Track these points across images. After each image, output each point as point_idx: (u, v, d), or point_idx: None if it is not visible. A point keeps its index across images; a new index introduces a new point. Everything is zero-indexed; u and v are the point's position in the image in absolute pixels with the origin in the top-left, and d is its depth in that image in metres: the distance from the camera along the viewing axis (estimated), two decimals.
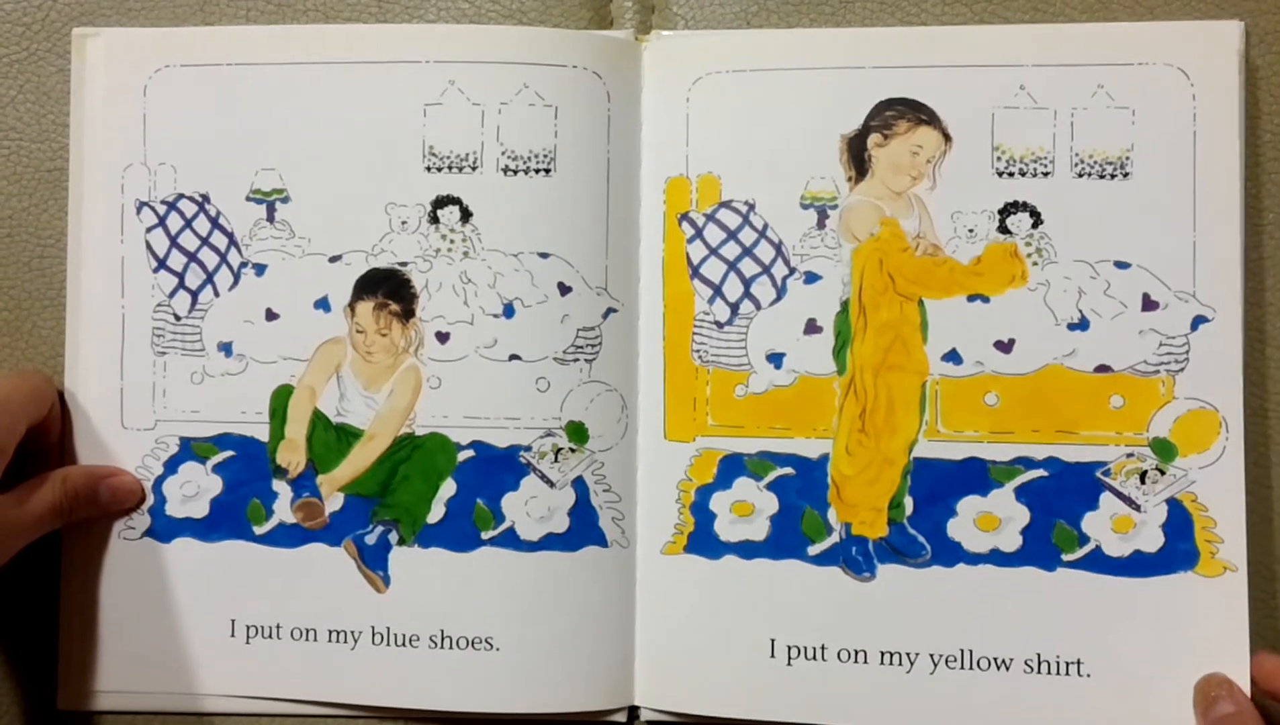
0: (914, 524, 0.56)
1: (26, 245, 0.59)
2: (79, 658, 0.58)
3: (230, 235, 0.58)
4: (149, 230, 0.58)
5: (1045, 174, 0.56)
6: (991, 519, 0.55)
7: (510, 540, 0.57)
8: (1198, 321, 0.55)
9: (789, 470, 0.56)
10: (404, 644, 0.57)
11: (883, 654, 0.55)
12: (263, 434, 0.58)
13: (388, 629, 0.57)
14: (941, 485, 0.56)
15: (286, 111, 0.58)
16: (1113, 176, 0.55)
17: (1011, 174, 0.56)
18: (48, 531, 0.56)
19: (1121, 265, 0.55)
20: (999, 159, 0.56)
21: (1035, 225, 0.55)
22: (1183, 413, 0.55)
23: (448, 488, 0.57)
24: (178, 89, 0.58)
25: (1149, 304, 0.55)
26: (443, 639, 0.56)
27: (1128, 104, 0.55)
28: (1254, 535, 0.55)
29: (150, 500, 0.58)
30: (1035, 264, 0.55)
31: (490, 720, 0.57)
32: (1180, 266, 0.55)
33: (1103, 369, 0.55)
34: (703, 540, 0.57)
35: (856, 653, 0.55)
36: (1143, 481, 0.55)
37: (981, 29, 0.57)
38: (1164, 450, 0.55)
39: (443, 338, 0.57)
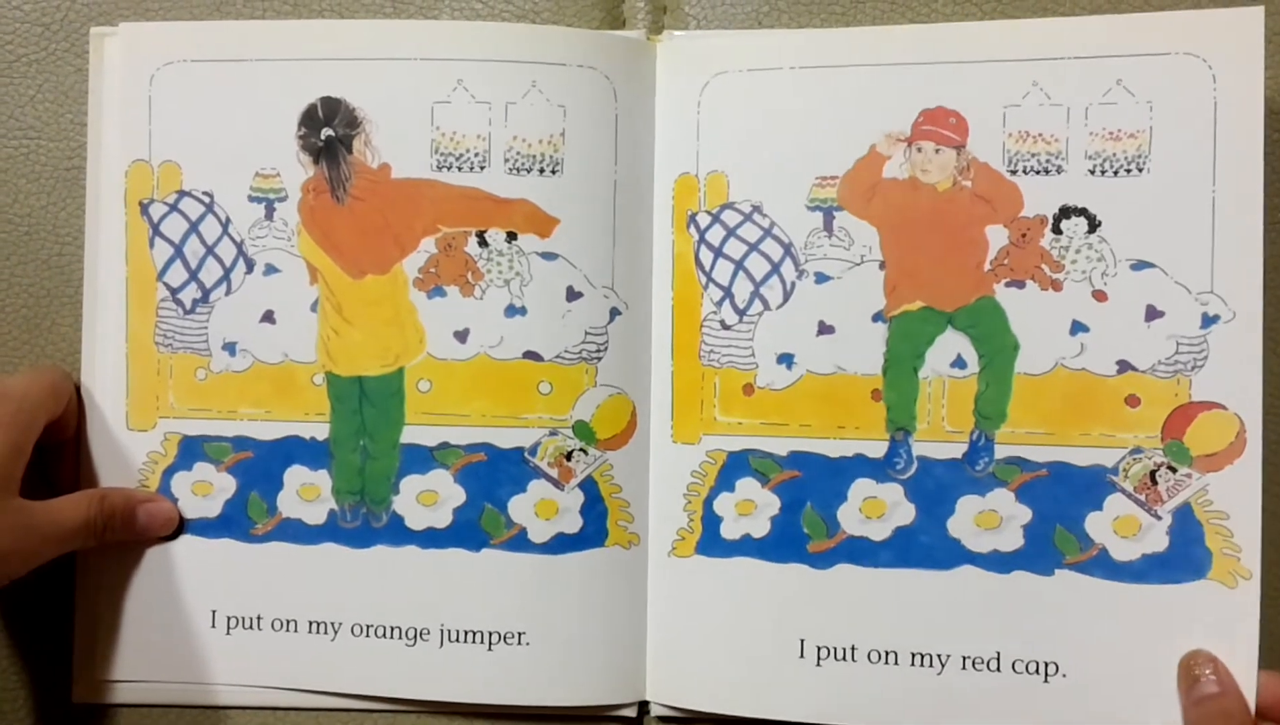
0: (919, 528, 0.56)
1: (45, 243, 0.60)
2: (94, 651, 0.58)
3: (234, 234, 0.58)
4: (155, 227, 0.58)
5: (1058, 170, 0.54)
6: (991, 517, 0.55)
7: (520, 543, 0.57)
8: (1215, 321, 0.53)
9: (795, 472, 0.56)
10: (415, 639, 0.57)
11: (913, 655, 0.55)
12: (265, 432, 0.58)
13: (400, 624, 0.57)
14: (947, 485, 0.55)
15: (291, 108, 0.57)
16: (1129, 172, 0.54)
17: (1025, 171, 0.55)
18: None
19: (1138, 265, 0.54)
20: (1009, 158, 0.55)
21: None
22: (1197, 415, 0.53)
23: (454, 492, 0.57)
24: (184, 84, 0.58)
25: (1165, 304, 0.53)
26: (455, 634, 0.57)
27: (1146, 96, 0.53)
28: (1268, 542, 0.53)
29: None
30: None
31: (501, 713, 0.57)
32: (1198, 264, 0.53)
33: (1119, 370, 0.54)
34: (710, 541, 0.56)
35: (858, 652, 0.55)
36: (1154, 482, 0.53)
37: (996, 25, 0.56)
38: (1178, 453, 0.53)
39: (448, 337, 0.57)
